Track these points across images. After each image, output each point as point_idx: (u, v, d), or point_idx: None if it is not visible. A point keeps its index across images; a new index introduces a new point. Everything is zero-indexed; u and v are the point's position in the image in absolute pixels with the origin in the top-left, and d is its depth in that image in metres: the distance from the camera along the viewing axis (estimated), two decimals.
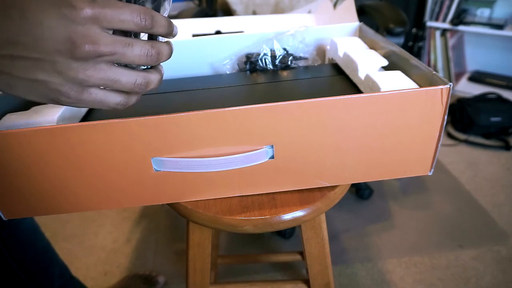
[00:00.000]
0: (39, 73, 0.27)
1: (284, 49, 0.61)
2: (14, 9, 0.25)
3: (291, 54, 0.61)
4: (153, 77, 0.31)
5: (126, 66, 0.30)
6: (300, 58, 0.62)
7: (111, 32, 0.28)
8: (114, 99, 0.30)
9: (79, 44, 0.26)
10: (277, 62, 0.60)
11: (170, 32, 0.31)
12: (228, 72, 0.62)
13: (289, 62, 0.61)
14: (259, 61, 0.60)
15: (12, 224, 0.62)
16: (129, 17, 0.27)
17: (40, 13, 0.25)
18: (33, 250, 0.67)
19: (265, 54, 0.60)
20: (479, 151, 1.52)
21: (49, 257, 0.72)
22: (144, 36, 0.31)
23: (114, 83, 0.29)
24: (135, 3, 0.29)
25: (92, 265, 1.07)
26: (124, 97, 0.31)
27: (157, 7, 0.31)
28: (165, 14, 0.32)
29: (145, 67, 0.32)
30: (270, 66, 0.60)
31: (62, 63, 0.26)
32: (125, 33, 0.29)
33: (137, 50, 0.28)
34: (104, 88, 0.30)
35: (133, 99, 0.32)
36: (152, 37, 0.32)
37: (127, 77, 0.29)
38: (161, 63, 0.32)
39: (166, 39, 0.33)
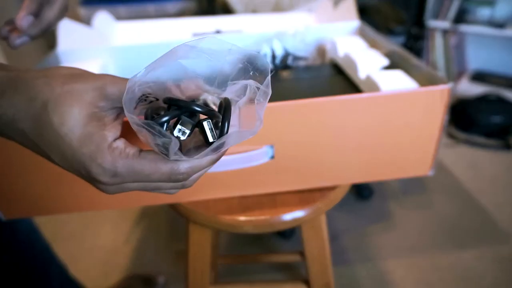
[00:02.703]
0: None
1: (284, 48, 0.61)
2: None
3: (291, 54, 0.61)
4: (189, 183, 0.27)
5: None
6: (300, 58, 0.62)
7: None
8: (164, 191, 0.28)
9: (106, 191, 0.26)
10: (277, 62, 0.60)
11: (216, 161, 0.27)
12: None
13: (289, 62, 0.60)
14: None
15: (10, 224, 0.62)
16: (154, 185, 0.26)
17: (63, 161, 0.25)
18: (31, 250, 0.67)
19: (265, 54, 0.60)
20: (480, 151, 1.51)
21: (47, 258, 0.72)
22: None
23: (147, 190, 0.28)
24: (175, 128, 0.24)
25: (92, 265, 1.07)
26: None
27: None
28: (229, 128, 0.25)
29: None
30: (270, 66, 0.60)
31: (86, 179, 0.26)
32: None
33: (164, 190, 0.27)
34: None
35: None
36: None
37: (160, 191, 0.28)
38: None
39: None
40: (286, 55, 0.61)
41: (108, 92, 0.25)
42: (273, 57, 0.60)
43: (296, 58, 0.62)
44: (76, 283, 0.80)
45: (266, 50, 0.60)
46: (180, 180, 0.26)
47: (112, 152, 0.24)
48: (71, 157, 0.24)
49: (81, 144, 0.24)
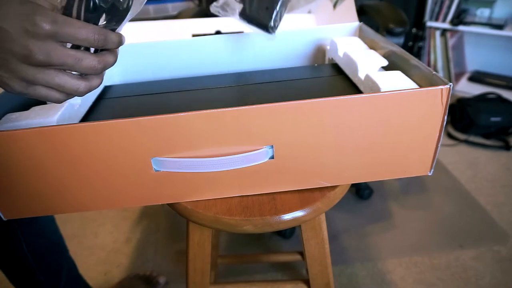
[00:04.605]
0: None
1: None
2: None
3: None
4: (94, 83, 0.35)
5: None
6: (300, 58, 0.62)
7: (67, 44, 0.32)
8: (54, 96, 0.34)
9: (35, 54, 0.29)
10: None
11: (118, 46, 0.36)
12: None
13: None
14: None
15: None
16: (84, 36, 0.31)
17: (6, 21, 0.29)
18: (46, 240, 0.68)
19: None
20: (479, 151, 1.52)
21: (60, 251, 0.73)
22: None
23: (59, 87, 0.33)
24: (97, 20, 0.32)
25: (92, 265, 1.07)
26: (64, 96, 0.35)
27: (119, 20, 0.35)
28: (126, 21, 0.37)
29: None
30: None
31: (15, 64, 0.30)
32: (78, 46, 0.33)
33: (86, 63, 0.32)
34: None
35: (71, 97, 0.36)
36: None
37: (71, 85, 0.33)
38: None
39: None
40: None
41: None
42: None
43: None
44: (83, 280, 0.80)
45: None
46: (100, 42, 0.32)
47: (51, 10, 0.30)
48: (13, 13, 0.28)
49: (22, 2, 0.29)
